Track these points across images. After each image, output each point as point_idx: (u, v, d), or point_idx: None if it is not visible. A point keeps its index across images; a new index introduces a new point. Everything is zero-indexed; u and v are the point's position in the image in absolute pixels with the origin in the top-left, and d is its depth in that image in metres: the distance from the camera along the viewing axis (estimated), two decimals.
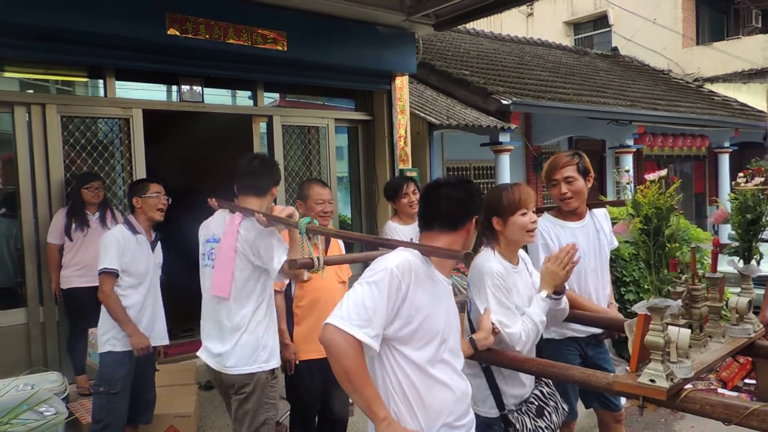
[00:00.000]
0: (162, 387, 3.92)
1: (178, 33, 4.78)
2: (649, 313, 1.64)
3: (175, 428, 3.81)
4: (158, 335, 3.54)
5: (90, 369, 4.44)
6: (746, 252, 2.12)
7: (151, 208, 3.46)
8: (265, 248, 2.53)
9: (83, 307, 4.56)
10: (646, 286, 1.72)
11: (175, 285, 4.60)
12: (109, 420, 3.23)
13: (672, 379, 1.61)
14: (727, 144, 12.12)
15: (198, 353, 2.83)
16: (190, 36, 4.84)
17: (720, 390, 4.42)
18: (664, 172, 1.65)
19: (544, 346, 2.58)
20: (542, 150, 10.58)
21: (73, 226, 4.57)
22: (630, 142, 9.89)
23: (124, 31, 4.53)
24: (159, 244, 3.69)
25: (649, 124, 10.08)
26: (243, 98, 6.20)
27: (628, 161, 9.99)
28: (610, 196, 10.87)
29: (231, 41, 5.06)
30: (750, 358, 4.34)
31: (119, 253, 3.34)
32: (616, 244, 3.07)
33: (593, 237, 2.90)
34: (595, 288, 2.86)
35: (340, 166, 6.86)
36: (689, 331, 1.69)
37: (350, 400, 4.44)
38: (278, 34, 5.32)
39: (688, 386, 1.67)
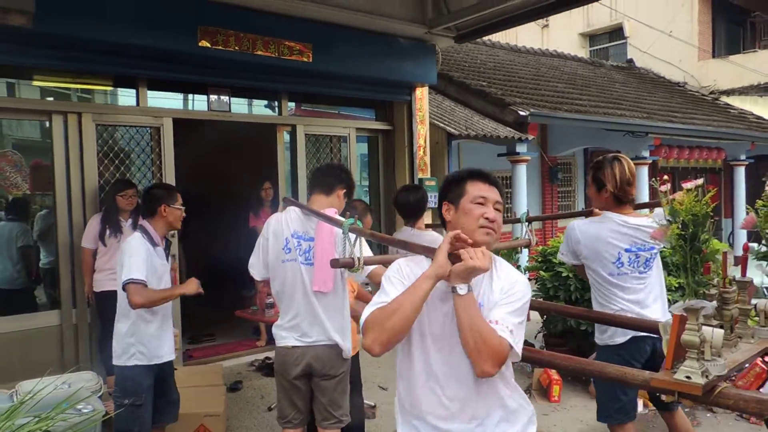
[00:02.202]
0: (191, 387, 4.04)
1: (209, 45, 4.96)
2: (685, 314, 1.72)
3: (206, 427, 3.92)
4: (167, 351, 3.37)
5: None
6: None
7: (177, 218, 3.39)
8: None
9: (115, 309, 4.71)
10: None
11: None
12: (137, 430, 3.22)
13: (707, 376, 1.69)
14: (743, 157, 12.12)
15: (287, 342, 2.97)
16: (220, 48, 5.01)
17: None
18: (700, 181, 1.76)
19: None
20: (558, 161, 10.66)
21: (107, 232, 4.69)
22: (646, 154, 9.95)
23: (159, 42, 4.71)
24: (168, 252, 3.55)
25: (665, 136, 10.14)
26: (268, 108, 6.37)
27: (643, 173, 10.03)
28: None
29: (259, 53, 5.22)
30: (766, 367, 4.39)
31: (146, 263, 3.15)
32: None
33: None
34: None
35: (360, 175, 7.00)
36: (723, 331, 1.76)
37: (372, 404, 4.56)
38: (304, 46, 5.48)
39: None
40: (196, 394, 4.07)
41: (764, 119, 13.24)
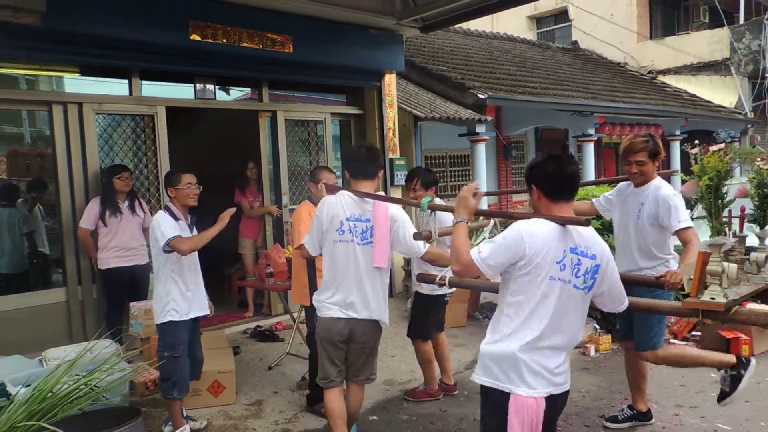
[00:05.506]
0: (204, 350, 4.52)
1: (199, 38, 5.35)
2: (709, 250, 2.18)
3: (219, 382, 4.43)
4: (200, 306, 3.94)
5: (131, 339, 5.00)
6: (762, 219, 2.78)
7: (185, 197, 3.86)
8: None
9: (121, 284, 5.11)
10: None
11: None
12: (176, 378, 3.77)
13: (727, 297, 2.14)
14: (678, 132, 13.13)
15: (332, 314, 3.25)
16: (210, 41, 5.41)
17: (672, 340, 5.28)
18: (722, 145, 2.31)
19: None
20: (511, 139, 11.39)
21: (107, 212, 5.04)
22: (591, 132, 10.77)
23: (155, 37, 5.09)
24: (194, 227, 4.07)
25: (609, 115, 10.98)
26: (251, 95, 6.78)
27: (589, 149, 10.88)
28: None
29: (245, 45, 5.65)
30: None
31: (174, 228, 3.72)
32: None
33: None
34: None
35: (335, 156, 7.49)
36: (736, 265, 2.24)
37: None
38: (285, 38, 5.94)
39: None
40: (208, 355, 4.53)
41: (697, 97, 14.34)
